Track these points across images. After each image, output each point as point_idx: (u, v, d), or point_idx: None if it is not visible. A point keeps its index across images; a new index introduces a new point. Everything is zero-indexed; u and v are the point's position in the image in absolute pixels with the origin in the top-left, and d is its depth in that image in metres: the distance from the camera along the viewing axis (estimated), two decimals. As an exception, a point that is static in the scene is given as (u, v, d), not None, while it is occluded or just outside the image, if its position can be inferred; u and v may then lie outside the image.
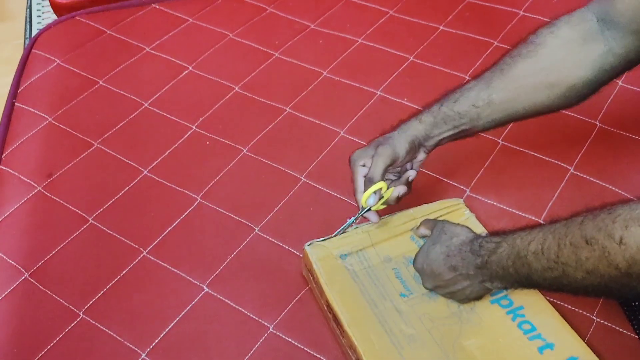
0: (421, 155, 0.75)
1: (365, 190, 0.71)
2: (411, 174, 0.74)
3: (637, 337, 0.69)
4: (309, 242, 0.74)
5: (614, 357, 0.66)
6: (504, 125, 0.75)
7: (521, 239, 0.59)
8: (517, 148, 0.90)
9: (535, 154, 0.89)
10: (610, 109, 0.94)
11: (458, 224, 0.71)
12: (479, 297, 0.68)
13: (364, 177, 0.72)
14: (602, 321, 0.70)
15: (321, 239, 0.74)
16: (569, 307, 0.71)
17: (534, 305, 0.68)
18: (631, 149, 0.89)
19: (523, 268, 0.59)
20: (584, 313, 0.71)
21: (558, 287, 0.58)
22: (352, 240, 0.74)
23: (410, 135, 0.73)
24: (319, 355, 0.70)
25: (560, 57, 0.68)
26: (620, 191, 0.82)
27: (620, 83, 0.97)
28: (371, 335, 0.66)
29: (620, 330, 0.70)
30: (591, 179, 0.85)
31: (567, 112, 0.94)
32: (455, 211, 0.78)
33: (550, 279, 0.57)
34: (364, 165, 0.73)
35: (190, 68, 1.08)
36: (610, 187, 0.83)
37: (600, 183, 0.84)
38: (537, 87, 0.69)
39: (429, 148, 0.75)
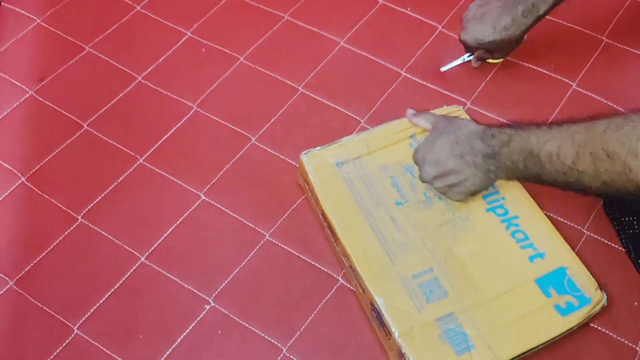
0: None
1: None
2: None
3: (623, 250, 0.70)
4: (306, 151, 0.73)
5: (602, 269, 0.68)
6: None
7: (537, 137, 0.58)
8: (521, 62, 0.88)
9: (539, 69, 0.87)
10: (618, 24, 0.91)
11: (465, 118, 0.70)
12: (476, 192, 0.67)
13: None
14: (592, 234, 0.72)
15: (318, 147, 0.74)
16: (561, 219, 0.72)
17: (529, 215, 0.69)
18: (636, 65, 0.87)
19: (535, 166, 0.58)
20: (575, 226, 0.73)
21: (568, 188, 0.58)
22: (348, 148, 0.74)
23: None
24: (313, 262, 0.72)
25: None
26: (622, 109, 0.82)
27: (631, -3, 0.94)
28: (364, 243, 0.67)
29: (609, 243, 0.71)
30: (593, 95, 0.84)
31: (574, 26, 0.91)
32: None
33: (562, 182, 0.57)
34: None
35: (184, -30, 1.03)
36: (611, 104, 0.82)
37: (602, 100, 0.83)
38: None
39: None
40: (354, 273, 0.67)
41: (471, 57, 0.86)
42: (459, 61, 0.86)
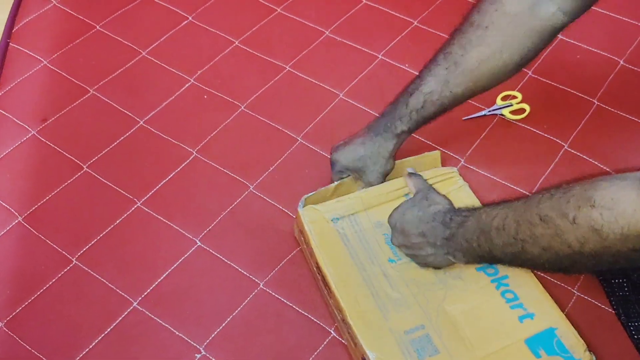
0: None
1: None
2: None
3: (613, 312, 0.71)
4: (302, 199, 0.75)
5: (591, 330, 0.68)
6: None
7: (486, 214, 0.61)
8: (514, 122, 0.91)
9: (532, 129, 0.90)
10: (610, 88, 0.94)
11: (441, 194, 0.72)
12: (439, 267, 0.70)
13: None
14: (582, 295, 0.73)
15: (312, 193, 0.76)
16: (551, 280, 0.73)
17: (518, 275, 0.69)
18: (627, 129, 0.89)
19: (486, 243, 0.61)
20: (566, 287, 0.73)
21: (518, 262, 0.61)
22: (344, 205, 0.75)
23: (384, 164, 0.76)
24: (306, 314, 0.72)
25: (510, 34, 0.67)
26: (612, 171, 0.84)
27: (622, 62, 0.97)
28: (357, 297, 0.67)
29: (599, 305, 0.72)
30: (584, 157, 0.86)
31: (566, 89, 0.94)
32: (448, 179, 0.79)
33: (510, 254, 0.59)
34: (348, 176, 0.78)
35: (190, 18, 1.06)
36: (602, 166, 0.85)
37: (593, 162, 0.85)
38: (493, 70, 0.69)
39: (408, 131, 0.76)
40: (346, 326, 0.67)
41: (494, 112, 0.91)
42: (482, 113, 0.90)
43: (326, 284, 0.69)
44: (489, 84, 0.71)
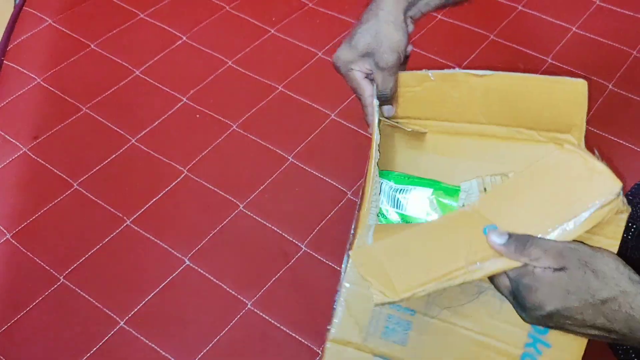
0: (410, 28, 0.61)
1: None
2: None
3: None
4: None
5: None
6: None
7: None
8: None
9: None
10: (598, 111, 0.95)
11: (608, 254, 0.47)
12: None
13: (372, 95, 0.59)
14: None
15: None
16: None
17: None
18: (615, 152, 0.90)
19: None
20: None
21: None
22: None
23: (395, 18, 0.58)
24: (294, 334, 0.71)
25: None
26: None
27: (610, 86, 0.98)
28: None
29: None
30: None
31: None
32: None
33: None
34: (360, 71, 0.60)
35: (184, 38, 1.07)
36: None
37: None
38: None
39: (416, 18, 0.62)
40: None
41: None
42: None
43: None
44: None
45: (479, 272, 0.47)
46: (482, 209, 0.50)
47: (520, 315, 0.49)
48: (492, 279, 0.50)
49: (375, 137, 0.57)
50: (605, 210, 0.45)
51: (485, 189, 0.56)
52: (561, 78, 0.54)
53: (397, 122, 0.62)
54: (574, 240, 0.47)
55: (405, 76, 0.60)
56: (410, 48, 0.61)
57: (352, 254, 0.53)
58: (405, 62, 0.61)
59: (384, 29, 0.58)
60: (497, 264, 0.47)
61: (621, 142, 0.91)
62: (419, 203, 0.59)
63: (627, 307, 0.44)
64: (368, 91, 0.60)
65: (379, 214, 0.61)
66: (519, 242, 0.47)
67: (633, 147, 0.90)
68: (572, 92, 0.53)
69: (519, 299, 0.48)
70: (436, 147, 0.61)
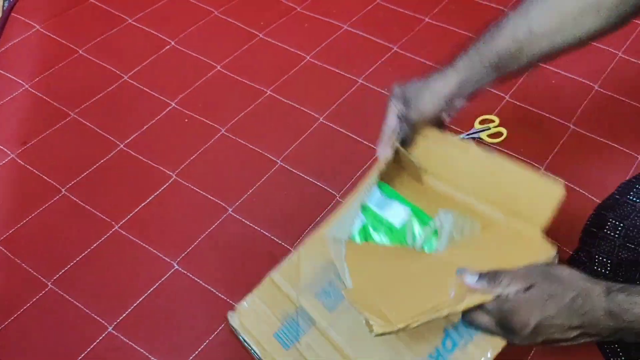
0: (459, 103, 0.67)
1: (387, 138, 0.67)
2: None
3: None
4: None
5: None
6: (550, 59, 0.65)
7: None
8: (492, 145, 0.92)
9: (509, 152, 0.91)
10: (584, 113, 0.96)
11: (562, 266, 0.56)
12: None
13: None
14: None
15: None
16: None
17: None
18: (602, 152, 0.91)
19: None
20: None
21: None
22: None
23: (441, 93, 0.65)
24: (283, 337, 0.71)
25: None
26: (587, 194, 0.85)
27: (596, 87, 0.99)
28: None
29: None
30: (561, 179, 0.86)
31: (542, 113, 0.96)
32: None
33: None
34: (396, 107, 0.68)
35: (173, 43, 1.07)
36: (578, 188, 0.85)
37: (570, 184, 0.86)
38: (581, 9, 0.61)
39: (468, 96, 0.67)
40: None
41: (472, 136, 0.90)
42: (460, 137, 0.90)
43: None
44: (573, 34, 0.62)
45: (462, 304, 0.54)
46: (452, 257, 0.61)
47: (512, 342, 0.55)
48: (471, 322, 0.57)
49: (384, 156, 0.66)
50: None
51: (456, 229, 0.64)
52: (545, 177, 0.64)
53: (408, 154, 0.68)
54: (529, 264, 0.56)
55: (431, 131, 0.68)
56: (447, 118, 0.67)
57: (345, 293, 0.58)
58: (440, 126, 0.68)
59: (427, 95, 0.66)
60: (474, 297, 0.55)
61: (606, 142, 0.91)
62: (398, 214, 0.66)
63: (589, 301, 0.52)
64: (390, 125, 0.67)
65: (363, 207, 0.67)
66: (490, 277, 0.55)
67: (618, 147, 0.91)
68: (550, 193, 0.63)
69: (505, 324, 0.54)
70: (419, 193, 0.69)
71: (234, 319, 0.63)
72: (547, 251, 0.59)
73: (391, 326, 0.52)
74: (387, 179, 0.69)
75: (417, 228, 0.66)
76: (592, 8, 0.61)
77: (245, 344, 0.63)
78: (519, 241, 0.62)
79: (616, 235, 0.69)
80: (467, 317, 0.57)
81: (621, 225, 0.69)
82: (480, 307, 0.55)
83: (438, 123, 0.68)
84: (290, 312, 0.62)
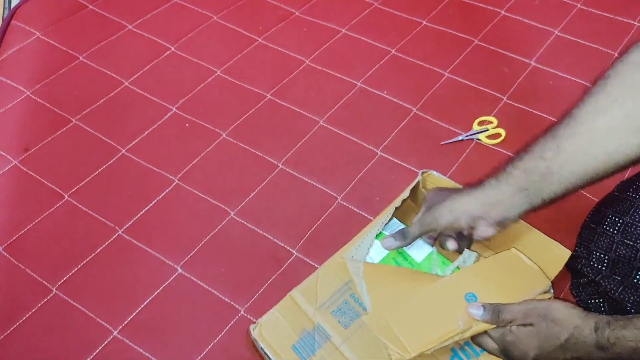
0: (485, 231, 0.64)
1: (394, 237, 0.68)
2: (449, 245, 0.67)
3: None
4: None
5: None
6: (584, 185, 0.59)
7: None
8: (491, 146, 0.93)
9: (508, 153, 0.91)
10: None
11: (553, 300, 0.62)
12: None
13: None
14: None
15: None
16: None
17: None
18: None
19: None
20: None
21: None
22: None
23: (459, 208, 0.63)
24: (287, 339, 0.72)
25: (634, 83, 0.55)
26: (585, 192, 0.85)
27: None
28: None
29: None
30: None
31: (540, 114, 0.97)
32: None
33: None
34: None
35: (173, 49, 1.08)
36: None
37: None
38: (612, 126, 0.56)
39: (495, 223, 0.63)
40: None
41: (471, 137, 0.92)
42: (459, 138, 0.92)
43: None
44: (606, 153, 0.56)
45: (469, 332, 0.62)
46: (460, 279, 0.67)
47: None
48: (479, 343, 0.64)
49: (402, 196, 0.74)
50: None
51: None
52: (553, 242, 0.70)
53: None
54: (531, 300, 0.63)
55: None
56: (451, 245, 0.68)
57: (366, 320, 0.64)
58: (462, 239, 0.69)
59: (445, 208, 0.65)
60: (480, 326, 0.62)
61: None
62: (421, 249, 0.74)
63: (581, 339, 0.57)
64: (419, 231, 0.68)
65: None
66: (493, 312, 0.61)
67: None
68: (558, 255, 0.69)
69: (507, 353, 0.62)
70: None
71: (255, 330, 0.68)
72: (544, 282, 0.67)
73: (408, 354, 0.59)
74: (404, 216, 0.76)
75: (436, 267, 0.72)
76: (621, 124, 0.55)
77: (264, 353, 0.66)
78: (521, 271, 0.68)
79: (615, 231, 0.70)
80: (475, 340, 0.65)
81: (620, 221, 0.70)
82: (486, 332, 0.63)
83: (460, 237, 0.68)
84: (308, 327, 0.67)
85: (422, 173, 0.76)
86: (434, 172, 0.77)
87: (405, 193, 0.74)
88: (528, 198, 0.60)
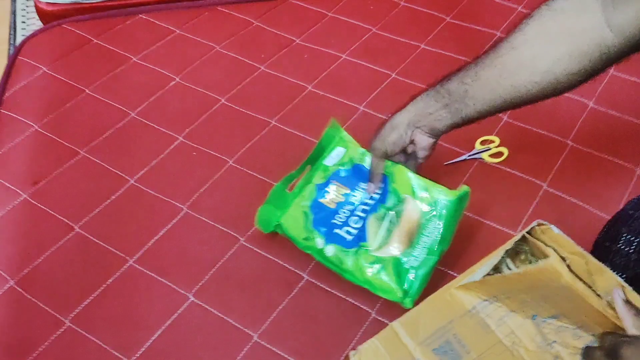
0: (423, 140, 0.74)
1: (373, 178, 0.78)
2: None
3: None
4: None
5: None
6: (497, 111, 0.71)
7: None
8: (494, 165, 0.94)
9: (511, 171, 0.93)
10: (581, 129, 0.98)
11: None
12: None
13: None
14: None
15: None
16: None
17: None
18: (600, 167, 0.93)
19: None
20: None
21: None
22: None
23: (398, 122, 0.73)
24: (302, 364, 0.72)
25: (548, 29, 0.63)
26: (590, 208, 0.87)
27: (591, 104, 1.02)
28: None
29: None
30: (564, 195, 0.89)
31: (541, 131, 0.98)
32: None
33: None
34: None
35: (177, 79, 1.10)
36: (581, 203, 0.87)
37: (572, 199, 0.88)
38: (520, 63, 0.65)
39: (428, 132, 0.73)
40: None
41: (474, 156, 0.93)
42: (462, 157, 0.93)
43: None
44: (512, 86, 0.66)
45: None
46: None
47: None
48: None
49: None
50: None
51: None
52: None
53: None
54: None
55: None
56: (420, 160, 0.78)
57: None
58: (410, 158, 0.80)
59: (388, 126, 0.74)
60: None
61: (604, 156, 0.94)
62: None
63: None
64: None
65: None
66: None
67: (616, 160, 0.93)
68: None
69: None
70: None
71: (355, 356, 0.67)
72: None
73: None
74: None
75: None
76: (529, 64, 0.65)
77: None
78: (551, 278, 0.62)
79: (631, 250, 0.70)
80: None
81: (636, 240, 0.71)
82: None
83: (408, 156, 0.77)
84: None
85: (538, 224, 0.62)
86: (554, 228, 0.61)
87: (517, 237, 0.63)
88: (450, 114, 0.71)
